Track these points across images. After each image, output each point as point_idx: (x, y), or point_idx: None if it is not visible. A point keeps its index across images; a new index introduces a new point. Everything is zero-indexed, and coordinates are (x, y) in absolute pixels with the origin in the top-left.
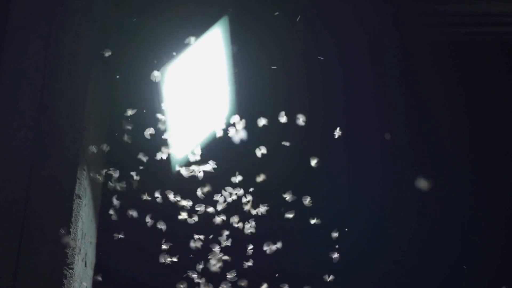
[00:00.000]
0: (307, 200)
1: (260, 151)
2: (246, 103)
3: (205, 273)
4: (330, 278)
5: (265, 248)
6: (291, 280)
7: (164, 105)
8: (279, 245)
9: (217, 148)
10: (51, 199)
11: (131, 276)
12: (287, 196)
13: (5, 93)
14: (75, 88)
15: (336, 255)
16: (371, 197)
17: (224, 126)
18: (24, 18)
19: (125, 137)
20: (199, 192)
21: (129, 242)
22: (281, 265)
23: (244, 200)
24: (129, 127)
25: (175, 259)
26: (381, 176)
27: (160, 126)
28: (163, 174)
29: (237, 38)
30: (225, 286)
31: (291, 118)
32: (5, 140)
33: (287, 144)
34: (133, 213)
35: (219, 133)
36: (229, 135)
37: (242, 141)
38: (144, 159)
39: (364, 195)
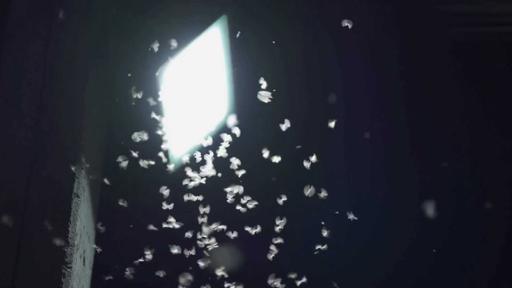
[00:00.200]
0: (308, 191)
1: (265, 152)
2: (245, 103)
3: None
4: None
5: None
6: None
7: (163, 104)
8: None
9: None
10: (50, 198)
11: (129, 274)
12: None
13: (5, 93)
14: (74, 88)
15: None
16: (371, 197)
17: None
18: (24, 18)
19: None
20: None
21: (128, 240)
22: (281, 265)
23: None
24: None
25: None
26: (381, 176)
27: (159, 125)
28: (162, 172)
29: (236, 38)
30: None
31: (291, 117)
32: (5, 140)
33: (299, 147)
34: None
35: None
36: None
37: (241, 140)
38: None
39: (364, 195)
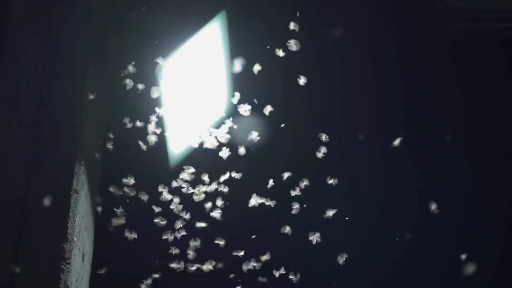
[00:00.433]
0: (303, 184)
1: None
2: (244, 100)
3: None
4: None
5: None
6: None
7: (162, 102)
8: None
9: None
10: (49, 194)
11: (128, 270)
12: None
13: (4, 92)
14: (74, 87)
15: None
16: (371, 197)
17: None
18: (23, 16)
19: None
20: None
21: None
22: (280, 265)
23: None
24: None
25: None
26: (381, 176)
27: (158, 122)
28: (161, 170)
29: (235, 34)
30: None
31: (290, 117)
32: (4, 138)
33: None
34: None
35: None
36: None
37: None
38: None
39: (364, 195)
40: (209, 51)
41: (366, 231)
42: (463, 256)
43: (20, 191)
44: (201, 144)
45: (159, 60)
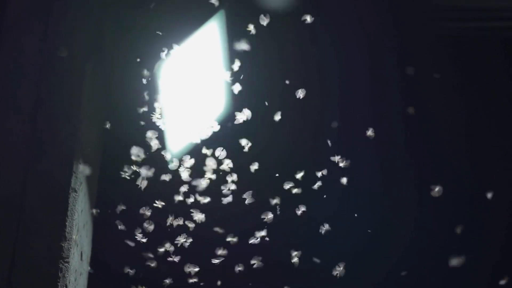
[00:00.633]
0: (299, 175)
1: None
2: (243, 98)
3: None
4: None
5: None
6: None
7: (160, 100)
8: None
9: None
10: (47, 193)
11: (126, 268)
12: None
13: (2, 89)
14: (71, 83)
15: None
16: (370, 197)
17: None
18: (20, 13)
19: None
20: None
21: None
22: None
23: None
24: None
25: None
26: (380, 176)
27: (156, 120)
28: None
29: (234, 32)
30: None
31: (289, 116)
32: (2, 135)
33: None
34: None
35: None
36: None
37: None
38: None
39: (364, 195)
40: (208, 49)
41: (366, 231)
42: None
43: (18, 189)
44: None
45: (162, 55)
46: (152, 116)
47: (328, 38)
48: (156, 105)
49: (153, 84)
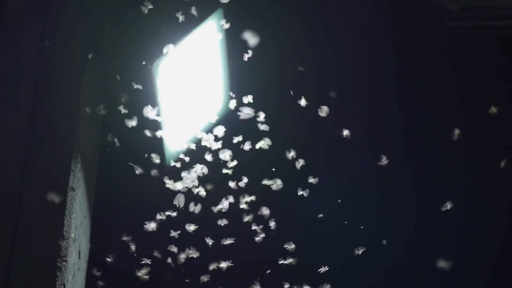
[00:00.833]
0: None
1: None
2: (240, 96)
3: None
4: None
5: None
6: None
7: (159, 98)
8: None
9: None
10: (45, 192)
11: (124, 268)
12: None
13: (0, 87)
14: (70, 82)
15: None
16: (370, 198)
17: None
18: (19, 12)
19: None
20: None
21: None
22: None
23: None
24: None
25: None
26: (379, 176)
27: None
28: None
29: (232, 31)
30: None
31: (289, 116)
32: (0, 133)
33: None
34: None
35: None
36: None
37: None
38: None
39: (363, 195)
40: (206, 48)
41: (365, 231)
42: None
43: (16, 188)
44: (198, 142)
45: (165, 51)
46: (151, 116)
47: (327, 37)
48: (155, 104)
49: (152, 83)
